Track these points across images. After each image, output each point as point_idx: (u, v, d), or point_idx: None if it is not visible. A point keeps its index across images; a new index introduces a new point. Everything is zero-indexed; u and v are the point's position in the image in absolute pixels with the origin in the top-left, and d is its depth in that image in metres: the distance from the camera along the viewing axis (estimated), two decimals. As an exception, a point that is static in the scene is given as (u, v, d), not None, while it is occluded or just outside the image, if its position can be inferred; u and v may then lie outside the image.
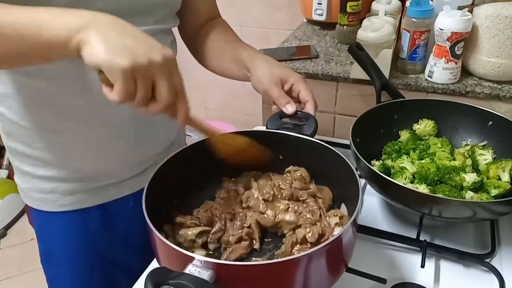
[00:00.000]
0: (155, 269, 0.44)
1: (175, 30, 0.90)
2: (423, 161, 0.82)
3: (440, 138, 0.88)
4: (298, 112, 0.78)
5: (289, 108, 0.77)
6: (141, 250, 0.84)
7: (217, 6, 0.96)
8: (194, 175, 0.72)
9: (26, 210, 0.84)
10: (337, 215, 0.66)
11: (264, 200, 0.70)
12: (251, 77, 0.82)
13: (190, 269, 0.45)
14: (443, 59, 1.10)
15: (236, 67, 0.86)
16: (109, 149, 0.77)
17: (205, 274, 0.45)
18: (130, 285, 0.71)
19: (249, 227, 0.66)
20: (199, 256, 0.46)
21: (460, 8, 1.08)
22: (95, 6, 0.58)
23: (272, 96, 0.78)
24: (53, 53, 0.54)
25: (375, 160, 0.84)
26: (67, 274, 0.86)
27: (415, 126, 0.91)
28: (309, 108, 0.78)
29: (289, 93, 0.79)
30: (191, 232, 0.65)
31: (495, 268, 0.68)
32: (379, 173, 0.72)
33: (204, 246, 0.67)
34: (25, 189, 0.82)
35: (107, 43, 0.49)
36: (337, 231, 0.63)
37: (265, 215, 0.68)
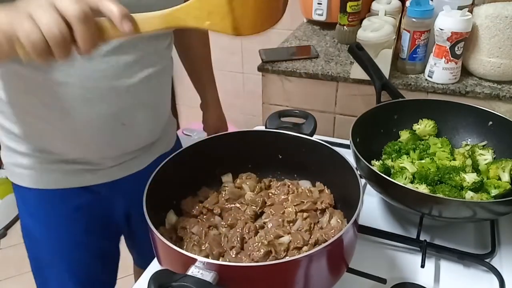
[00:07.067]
0: (158, 271, 0.45)
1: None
2: (423, 161, 0.82)
3: (440, 138, 0.88)
4: (296, 111, 0.78)
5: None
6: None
7: None
8: (194, 176, 0.72)
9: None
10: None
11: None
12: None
13: (193, 271, 0.46)
14: (443, 59, 1.10)
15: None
16: (86, 140, 0.79)
17: (208, 276, 0.45)
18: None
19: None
20: (201, 257, 0.47)
21: (460, 8, 1.09)
22: None
23: None
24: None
25: (375, 160, 0.84)
26: (47, 247, 0.89)
27: (415, 126, 0.91)
28: None
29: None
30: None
31: (495, 268, 0.68)
32: (379, 173, 0.72)
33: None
34: (8, 163, 0.85)
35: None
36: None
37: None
